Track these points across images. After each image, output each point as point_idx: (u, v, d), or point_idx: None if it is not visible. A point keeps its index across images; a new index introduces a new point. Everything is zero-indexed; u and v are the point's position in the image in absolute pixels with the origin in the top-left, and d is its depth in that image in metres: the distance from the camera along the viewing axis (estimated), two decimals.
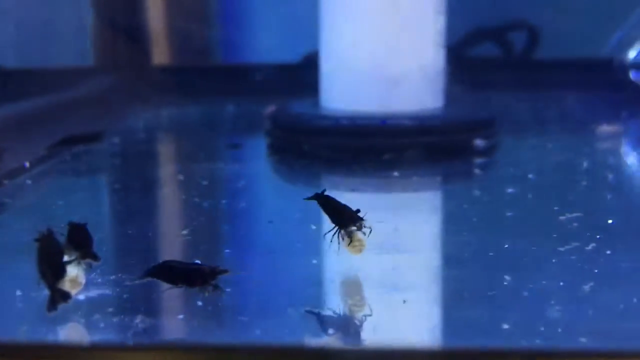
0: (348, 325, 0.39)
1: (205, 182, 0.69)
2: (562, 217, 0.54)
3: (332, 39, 0.83)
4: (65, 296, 0.35)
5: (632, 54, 1.16)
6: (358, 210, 0.45)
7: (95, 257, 0.37)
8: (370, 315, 0.39)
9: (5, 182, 0.66)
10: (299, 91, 0.99)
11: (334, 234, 0.45)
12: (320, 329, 0.38)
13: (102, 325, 0.36)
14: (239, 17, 1.26)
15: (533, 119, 1.08)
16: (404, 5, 0.81)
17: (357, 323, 0.39)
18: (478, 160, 0.78)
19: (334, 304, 0.42)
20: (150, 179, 0.75)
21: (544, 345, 0.34)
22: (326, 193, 0.47)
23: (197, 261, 0.42)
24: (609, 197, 0.63)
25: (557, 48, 1.24)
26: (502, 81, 1.18)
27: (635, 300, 0.39)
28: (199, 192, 0.65)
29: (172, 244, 0.52)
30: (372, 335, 0.37)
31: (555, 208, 0.56)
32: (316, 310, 0.39)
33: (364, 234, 0.44)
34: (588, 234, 0.50)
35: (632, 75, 1.17)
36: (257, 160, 0.83)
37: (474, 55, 1.25)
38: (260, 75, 1.23)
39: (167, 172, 0.80)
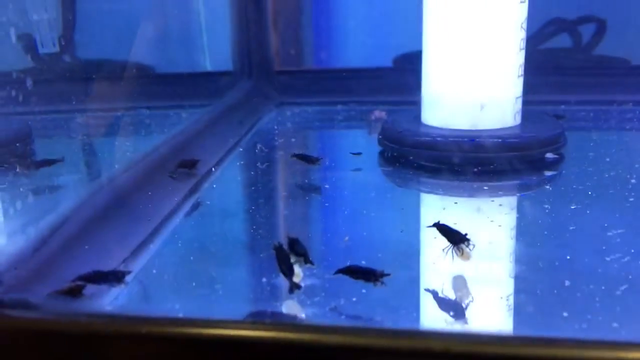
0: (458, 308, 0.62)
1: (346, 192, 0.92)
2: (609, 233, 0.75)
3: (433, 72, 1.05)
4: (298, 287, 0.60)
5: None
6: (466, 234, 0.68)
7: (312, 263, 0.61)
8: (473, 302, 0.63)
9: (201, 186, 0.92)
10: (392, 92, 1.23)
11: (450, 249, 0.68)
12: (440, 310, 0.61)
13: (317, 299, 0.60)
14: (343, 30, 1.47)
15: (594, 126, 1.26)
16: (492, 46, 1.01)
17: (464, 307, 0.62)
18: (548, 173, 0.99)
19: (448, 294, 0.65)
20: (300, 186, 0.97)
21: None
22: (441, 222, 0.70)
23: (363, 263, 0.65)
24: None
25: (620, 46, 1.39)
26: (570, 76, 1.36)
27: None
28: (342, 200, 0.89)
29: (338, 248, 0.73)
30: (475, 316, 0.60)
31: (606, 225, 0.77)
32: (433, 289, 0.63)
33: (470, 249, 0.67)
34: (626, 248, 0.71)
35: None
36: (374, 169, 1.04)
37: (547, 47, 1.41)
38: (360, 78, 1.45)
39: (312, 179, 1.01)
